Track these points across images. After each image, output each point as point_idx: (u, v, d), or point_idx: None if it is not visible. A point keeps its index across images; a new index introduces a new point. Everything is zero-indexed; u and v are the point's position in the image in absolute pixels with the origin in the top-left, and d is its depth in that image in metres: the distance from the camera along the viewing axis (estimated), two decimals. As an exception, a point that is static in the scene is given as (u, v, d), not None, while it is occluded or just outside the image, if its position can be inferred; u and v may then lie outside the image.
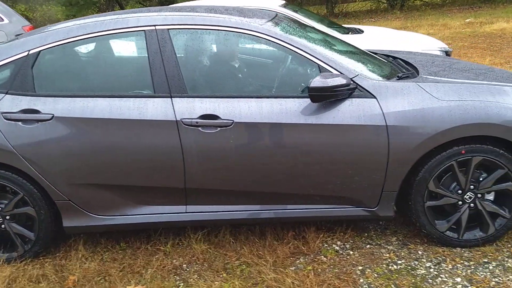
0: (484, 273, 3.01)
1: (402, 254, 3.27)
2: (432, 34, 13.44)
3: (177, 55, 3.16)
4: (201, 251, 3.39)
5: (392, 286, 2.96)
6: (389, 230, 3.57)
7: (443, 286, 2.93)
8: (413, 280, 2.99)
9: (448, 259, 3.17)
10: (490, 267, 3.07)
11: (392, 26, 15.77)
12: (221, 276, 3.15)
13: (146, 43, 3.17)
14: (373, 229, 3.60)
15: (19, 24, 8.01)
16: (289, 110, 3.08)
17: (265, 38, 3.17)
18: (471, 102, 3.04)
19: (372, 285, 2.97)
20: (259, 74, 3.33)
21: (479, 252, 3.22)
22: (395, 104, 3.07)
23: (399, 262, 3.19)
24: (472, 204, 3.21)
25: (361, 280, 3.02)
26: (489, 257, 3.17)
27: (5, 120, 3.15)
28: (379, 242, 3.42)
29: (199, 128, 3.09)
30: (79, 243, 3.58)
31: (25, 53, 3.24)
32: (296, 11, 6.50)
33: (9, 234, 3.36)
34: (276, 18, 3.62)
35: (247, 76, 3.32)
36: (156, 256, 3.40)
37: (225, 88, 3.25)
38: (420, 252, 3.27)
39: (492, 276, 2.97)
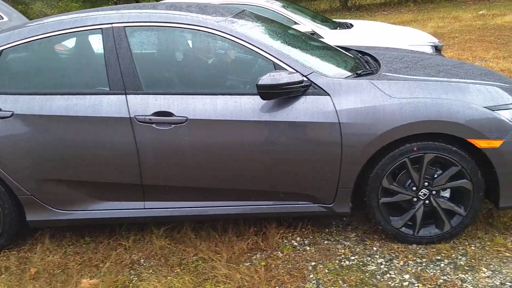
0: (434, 271, 3.00)
1: (357, 250, 3.27)
2: (441, 27, 13.33)
3: (133, 52, 3.21)
4: (160, 247, 3.45)
5: (340, 282, 2.97)
6: (351, 226, 3.58)
7: (390, 282, 2.93)
8: (361, 276, 3.00)
9: (401, 256, 3.16)
10: (442, 265, 3.05)
11: (403, 19, 15.67)
12: (175, 271, 3.19)
13: (103, 41, 3.23)
14: (335, 225, 3.61)
15: (19, 22, 8.14)
16: (243, 107, 3.10)
17: (220, 36, 3.20)
18: (423, 99, 3.03)
19: (320, 281, 2.99)
20: (215, 71, 3.35)
21: (434, 249, 3.21)
22: (348, 101, 3.07)
23: (352, 258, 3.19)
24: (427, 201, 3.20)
25: (311, 276, 3.04)
26: (443, 254, 3.15)
27: (-31, 118, 3.23)
28: (337, 238, 3.43)
29: (153, 125, 3.13)
30: (45, 237, 3.66)
31: (-12, 52, 3.32)
32: (284, 7, 6.49)
33: (-24, 228, 3.46)
34: (239, 15, 3.65)
35: (203, 73, 3.33)
36: (117, 251, 3.47)
37: (180, 85, 3.28)
38: (375, 249, 3.27)
39: (441, 274, 2.96)
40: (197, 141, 3.13)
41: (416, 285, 2.89)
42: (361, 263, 3.13)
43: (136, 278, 3.16)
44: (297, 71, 3.10)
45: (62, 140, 3.20)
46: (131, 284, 3.11)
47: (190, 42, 3.40)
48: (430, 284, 2.88)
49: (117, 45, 3.21)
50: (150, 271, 3.23)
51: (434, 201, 3.19)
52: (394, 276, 2.98)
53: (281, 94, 3.00)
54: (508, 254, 3.11)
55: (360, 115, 3.05)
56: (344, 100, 3.08)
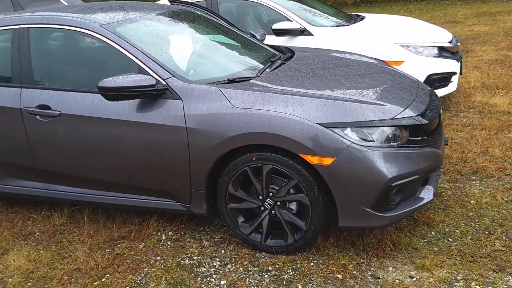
0: (252, 280, 3.03)
1: (207, 251, 3.39)
2: (494, 21, 12.09)
3: (31, 51, 3.63)
4: (54, 224, 3.87)
5: (162, 278, 3.13)
6: (226, 227, 3.67)
7: (203, 285, 3.03)
8: (184, 276, 3.13)
9: (238, 262, 3.22)
10: (265, 276, 3.07)
11: (493, 10, 14.07)
12: (50, 247, 3.58)
13: (11, 40, 3.70)
14: (213, 224, 3.73)
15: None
16: (106, 105, 3.38)
17: (98, 38, 3.48)
18: (258, 111, 3.04)
19: (147, 275, 3.18)
20: (90, 70, 3.61)
21: (274, 260, 3.20)
22: (196, 107, 3.19)
23: (195, 258, 3.32)
24: (273, 211, 3.21)
25: (145, 269, 3.24)
26: (277, 266, 3.15)
27: None
28: (202, 237, 3.56)
29: (37, 117, 3.54)
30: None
31: None
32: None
33: None
34: (147, 16, 3.88)
35: (80, 71, 3.63)
36: (28, 222, 3.96)
37: (62, 81, 3.62)
38: (223, 251, 3.36)
39: (255, 285, 2.99)
40: (69, 134, 3.48)
41: (223, 291, 2.97)
42: (197, 264, 3.26)
43: (20, 248, 3.61)
44: (157, 75, 3.29)
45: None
46: (10, 252, 3.57)
47: (74, 42, 3.73)
48: (235, 293, 2.94)
49: (20, 44, 3.66)
50: (34, 243, 3.67)
51: (278, 212, 3.19)
52: (213, 280, 3.08)
53: (127, 97, 3.21)
54: (339, 276, 3.02)
55: (204, 121, 3.16)
56: (194, 105, 3.20)
